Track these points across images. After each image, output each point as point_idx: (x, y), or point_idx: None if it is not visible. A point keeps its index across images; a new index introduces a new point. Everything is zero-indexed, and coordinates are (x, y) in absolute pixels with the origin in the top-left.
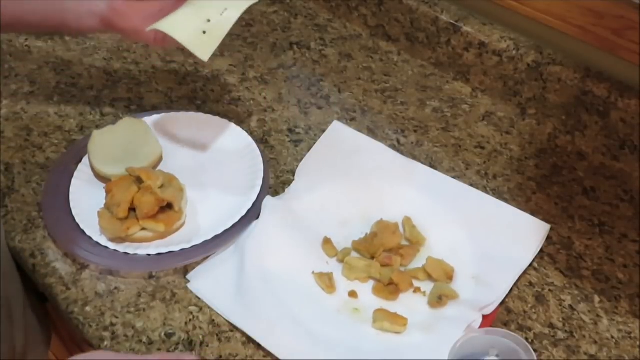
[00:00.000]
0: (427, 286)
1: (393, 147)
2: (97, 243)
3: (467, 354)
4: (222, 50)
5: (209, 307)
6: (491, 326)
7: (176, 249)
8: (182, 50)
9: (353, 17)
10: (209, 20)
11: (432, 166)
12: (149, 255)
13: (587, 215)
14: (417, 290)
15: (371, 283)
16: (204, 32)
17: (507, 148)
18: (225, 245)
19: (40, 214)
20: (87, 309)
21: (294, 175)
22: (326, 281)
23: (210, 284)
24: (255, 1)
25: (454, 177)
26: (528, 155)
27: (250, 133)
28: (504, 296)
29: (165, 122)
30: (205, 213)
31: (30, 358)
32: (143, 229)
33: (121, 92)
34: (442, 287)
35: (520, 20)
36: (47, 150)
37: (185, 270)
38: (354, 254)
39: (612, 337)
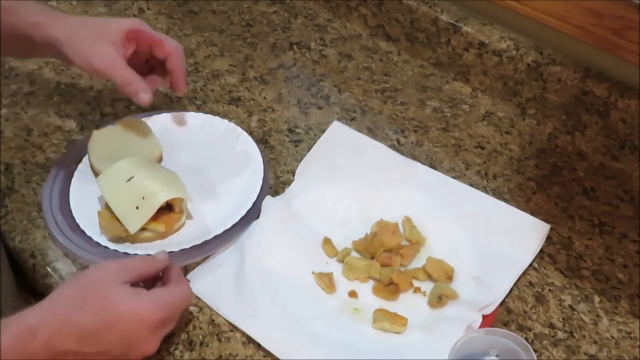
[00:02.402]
0: (427, 286)
1: (393, 147)
2: (97, 243)
3: (467, 354)
4: (222, 50)
5: (209, 307)
6: (491, 326)
7: (176, 249)
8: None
9: (353, 17)
10: (143, 198)
11: (432, 166)
12: (149, 255)
13: (587, 215)
14: (417, 290)
15: (371, 283)
16: (137, 208)
17: (507, 148)
18: (225, 245)
19: (40, 214)
20: None
21: (294, 175)
22: (326, 281)
23: (210, 284)
24: (187, 200)
25: (454, 177)
26: (528, 155)
27: (250, 133)
28: (504, 296)
29: (165, 122)
30: (205, 213)
31: None
32: (143, 229)
33: (121, 92)
34: (442, 287)
35: (520, 20)
36: (47, 150)
37: (185, 270)
38: (354, 254)
39: (612, 337)
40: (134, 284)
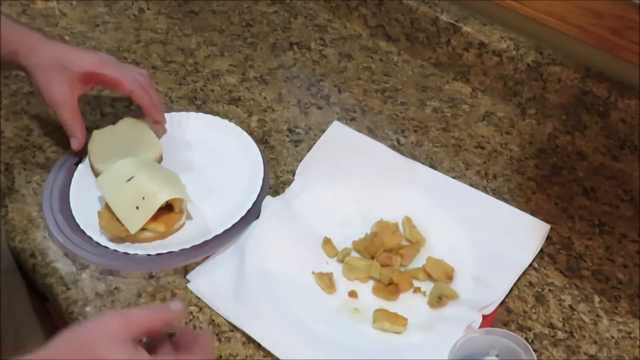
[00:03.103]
0: (427, 286)
1: (393, 147)
2: (97, 243)
3: (467, 354)
4: (222, 50)
5: (209, 307)
6: (491, 326)
7: (176, 249)
8: (182, 50)
9: (353, 17)
10: (143, 198)
11: (432, 166)
12: (149, 255)
13: (587, 215)
14: (417, 290)
15: (371, 283)
16: (137, 208)
17: (507, 148)
18: (225, 245)
19: (40, 214)
20: (87, 309)
21: (294, 175)
22: (326, 281)
23: (210, 284)
24: (187, 201)
25: (454, 177)
26: (528, 155)
27: (250, 133)
28: (504, 296)
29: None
30: (205, 213)
31: None
32: (143, 229)
33: (121, 92)
34: (442, 287)
35: (520, 20)
36: (47, 150)
37: (185, 270)
38: (354, 254)
39: (612, 337)
40: (138, 338)
